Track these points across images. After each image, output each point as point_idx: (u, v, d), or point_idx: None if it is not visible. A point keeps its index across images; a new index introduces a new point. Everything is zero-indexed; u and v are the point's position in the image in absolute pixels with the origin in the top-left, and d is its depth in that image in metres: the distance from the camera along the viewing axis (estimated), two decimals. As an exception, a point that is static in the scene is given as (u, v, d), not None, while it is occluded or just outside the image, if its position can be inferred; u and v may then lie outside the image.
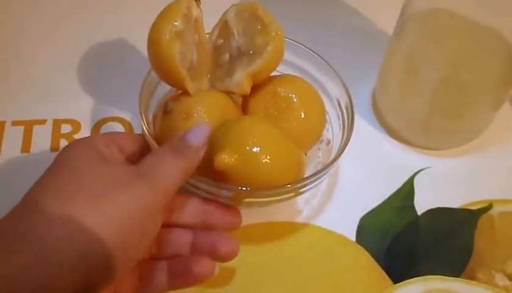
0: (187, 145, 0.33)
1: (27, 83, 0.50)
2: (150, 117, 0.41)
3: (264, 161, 0.35)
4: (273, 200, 0.38)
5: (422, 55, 0.44)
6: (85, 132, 0.47)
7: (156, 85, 0.41)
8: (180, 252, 0.37)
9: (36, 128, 0.46)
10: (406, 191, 0.46)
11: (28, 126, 0.46)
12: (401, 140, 0.49)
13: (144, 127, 0.38)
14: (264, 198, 0.38)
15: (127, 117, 0.48)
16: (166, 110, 0.39)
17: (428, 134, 0.48)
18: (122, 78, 0.50)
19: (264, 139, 0.36)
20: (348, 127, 0.41)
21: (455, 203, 0.45)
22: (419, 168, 0.47)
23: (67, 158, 0.32)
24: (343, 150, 0.39)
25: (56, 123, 0.47)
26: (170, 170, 0.32)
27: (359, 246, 0.42)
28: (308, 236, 0.43)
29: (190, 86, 0.39)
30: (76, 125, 0.47)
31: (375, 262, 0.42)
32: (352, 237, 0.43)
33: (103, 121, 0.48)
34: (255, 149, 0.36)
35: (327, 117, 0.43)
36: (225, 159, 0.35)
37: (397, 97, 0.48)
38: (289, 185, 0.36)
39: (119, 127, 0.47)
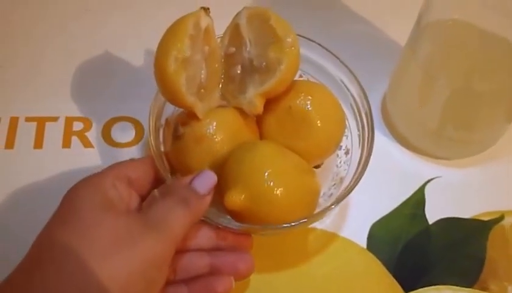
0: (193, 193, 0.34)
1: (40, 80, 0.50)
2: (162, 121, 0.41)
3: (276, 198, 0.35)
4: (286, 232, 0.39)
5: (437, 64, 0.44)
6: (95, 130, 0.47)
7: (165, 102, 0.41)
8: (199, 275, 0.36)
9: (49, 125, 0.47)
10: (417, 200, 0.45)
11: (41, 123, 0.47)
12: (411, 149, 0.48)
13: (155, 157, 0.37)
14: (276, 233, 0.38)
15: (138, 117, 0.48)
16: (176, 135, 0.38)
17: (439, 144, 0.47)
18: (135, 78, 0.50)
19: (276, 175, 0.35)
20: (368, 147, 0.40)
21: (465, 213, 0.45)
22: (429, 177, 0.47)
23: (75, 206, 0.32)
24: (358, 181, 0.38)
25: (68, 121, 0.47)
26: (177, 221, 0.32)
27: (370, 254, 0.42)
28: (318, 242, 0.42)
29: (199, 110, 0.37)
30: (87, 123, 0.47)
31: (385, 269, 0.41)
32: (363, 244, 0.43)
33: (114, 120, 0.48)
34: (266, 187, 0.35)
35: (346, 123, 0.42)
36: (236, 199, 0.34)
37: (409, 105, 0.48)
38: (302, 221, 0.36)
39: (130, 127, 0.47)
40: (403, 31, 0.47)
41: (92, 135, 0.47)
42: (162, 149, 0.40)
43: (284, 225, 0.35)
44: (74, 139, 0.46)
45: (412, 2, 0.45)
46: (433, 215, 0.44)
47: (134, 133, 0.47)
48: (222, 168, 0.36)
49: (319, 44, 0.43)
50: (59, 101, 0.48)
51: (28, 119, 0.47)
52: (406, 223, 0.44)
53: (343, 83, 0.43)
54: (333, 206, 0.37)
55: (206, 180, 0.34)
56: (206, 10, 0.37)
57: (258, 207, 0.35)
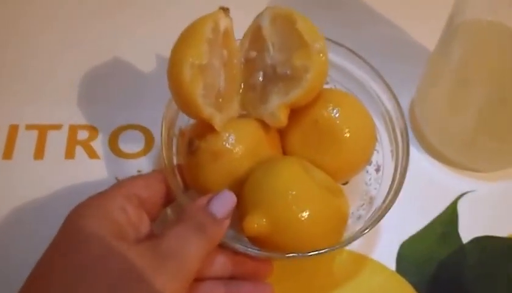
0: (210, 218, 0.31)
1: (42, 85, 0.49)
2: (176, 130, 0.39)
3: (301, 224, 0.32)
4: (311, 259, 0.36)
5: (471, 69, 0.42)
6: (102, 140, 0.46)
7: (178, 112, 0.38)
8: None
9: (51, 133, 0.46)
10: (449, 217, 0.43)
11: (43, 131, 0.46)
12: (443, 160, 0.46)
13: (167, 174, 0.35)
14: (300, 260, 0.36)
15: (148, 125, 0.46)
16: (191, 150, 0.36)
17: (473, 155, 0.45)
18: (145, 82, 0.49)
19: (301, 198, 0.33)
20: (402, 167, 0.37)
21: (502, 231, 0.43)
22: (462, 192, 0.45)
23: (78, 234, 0.30)
24: (392, 204, 0.36)
25: (73, 129, 0.46)
26: (193, 252, 0.30)
27: (399, 277, 0.40)
28: (344, 265, 0.40)
29: (217, 123, 0.34)
30: (93, 131, 0.46)
31: (416, 293, 0.40)
32: (392, 265, 0.41)
33: (122, 128, 0.46)
34: (290, 211, 0.32)
35: (378, 136, 0.40)
36: (256, 224, 0.32)
37: (440, 113, 0.46)
38: (330, 249, 0.33)
39: (139, 136, 0.46)
40: (430, 32, 0.45)
41: (98, 144, 0.45)
42: (175, 160, 0.38)
43: (309, 253, 0.33)
44: (79, 149, 0.45)
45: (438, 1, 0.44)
46: (466, 233, 0.43)
47: (143, 143, 0.46)
48: (241, 187, 0.34)
49: (351, 51, 0.40)
50: (62, 107, 0.47)
51: (28, 127, 0.46)
52: (438, 243, 0.42)
53: (374, 92, 0.41)
54: (364, 232, 0.34)
55: (224, 203, 0.32)
56: (225, 10, 0.35)
57: (281, 233, 0.32)
